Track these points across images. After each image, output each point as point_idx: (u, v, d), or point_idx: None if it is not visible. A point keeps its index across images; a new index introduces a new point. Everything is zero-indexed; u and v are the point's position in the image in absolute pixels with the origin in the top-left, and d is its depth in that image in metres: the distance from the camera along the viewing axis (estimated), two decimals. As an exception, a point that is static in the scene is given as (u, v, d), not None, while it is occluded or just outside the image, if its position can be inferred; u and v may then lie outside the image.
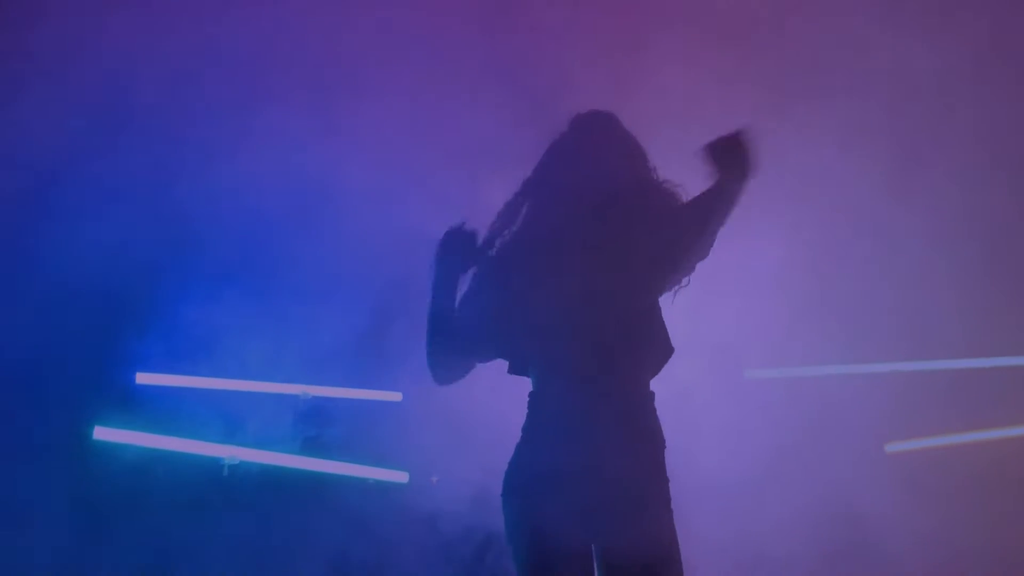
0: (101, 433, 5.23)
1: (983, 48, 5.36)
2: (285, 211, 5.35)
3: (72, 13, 5.16)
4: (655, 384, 3.14)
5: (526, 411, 3.17)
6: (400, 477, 5.50)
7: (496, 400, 5.23)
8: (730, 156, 3.03)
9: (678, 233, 3.09)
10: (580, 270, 3.09)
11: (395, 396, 5.62)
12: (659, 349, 3.13)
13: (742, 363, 5.53)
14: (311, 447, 5.52)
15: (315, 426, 5.53)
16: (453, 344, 3.22)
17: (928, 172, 5.44)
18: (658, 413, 3.13)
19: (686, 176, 3.18)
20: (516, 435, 4.92)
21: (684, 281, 3.21)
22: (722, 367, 5.15)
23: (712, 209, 3.04)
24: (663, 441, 3.10)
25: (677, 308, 3.25)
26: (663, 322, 3.16)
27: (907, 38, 5.35)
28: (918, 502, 5.27)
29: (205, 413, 5.35)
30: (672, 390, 3.25)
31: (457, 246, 3.30)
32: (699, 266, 3.19)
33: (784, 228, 5.02)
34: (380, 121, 5.37)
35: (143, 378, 5.38)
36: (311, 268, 5.36)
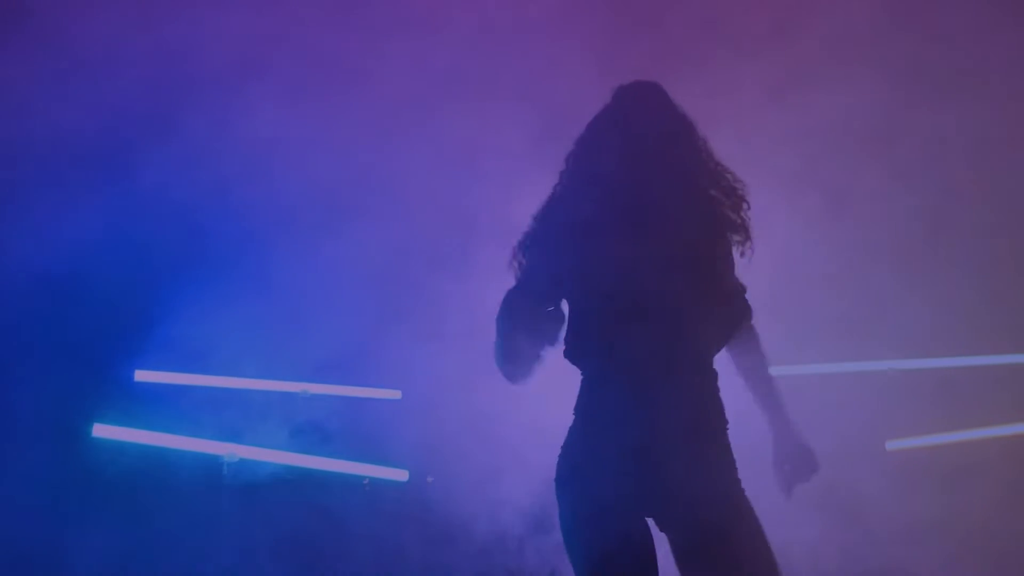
0: (100, 431, 5.22)
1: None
2: (286, 210, 5.34)
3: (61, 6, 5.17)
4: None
5: (580, 393, 3.08)
6: (400, 475, 5.49)
7: (495, 397, 5.23)
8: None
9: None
10: (642, 244, 3.00)
11: (394, 394, 5.61)
12: (725, 324, 3.09)
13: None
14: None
15: (313, 441, 5.50)
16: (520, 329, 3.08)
17: (926, 171, 5.45)
18: None
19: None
20: (514, 432, 4.91)
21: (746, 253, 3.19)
22: (721, 365, 5.13)
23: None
24: (725, 420, 3.07)
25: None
26: (727, 296, 3.11)
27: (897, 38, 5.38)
28: (919, 499, 5.27)
29: (204, 411, 5.34)
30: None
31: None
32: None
33: (782, 227, 5.01)
34: (380, 124, 5.36)
35: (142, 375, 5.37)
36: (310, 266, 5.35)
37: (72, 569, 4.97)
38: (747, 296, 3.16)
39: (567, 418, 3.06)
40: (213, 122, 5.21)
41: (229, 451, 5.30)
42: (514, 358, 3.09)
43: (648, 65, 4.90)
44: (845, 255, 5.49)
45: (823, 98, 5.21)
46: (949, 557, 5.20)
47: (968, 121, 5.38)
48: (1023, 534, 5.27)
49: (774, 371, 3.24)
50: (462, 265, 5.30)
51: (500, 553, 5.23)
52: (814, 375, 5.59)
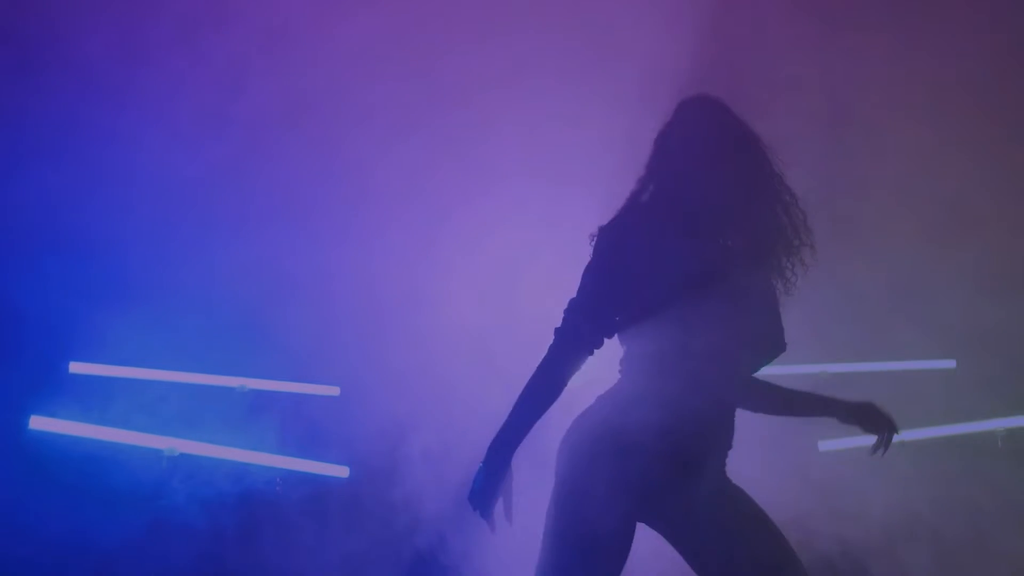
0: (38, 423, 5.17)
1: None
2: (229, 205, 5.33)
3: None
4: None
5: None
6: (340, 472, 5.49)
7: (434, 392, 5.25)
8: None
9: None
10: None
11: (333, 390, 5.61)
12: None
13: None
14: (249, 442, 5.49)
15: (251, 436, 5.48)
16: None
17: (890, 178, 5.54)
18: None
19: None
20: (454, 427, 4.91)
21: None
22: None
23: None
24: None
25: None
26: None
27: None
28: (853, 500, 5.35)
29: (144, 405, 5.31)
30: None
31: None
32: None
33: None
34: (340, 119, 5.36)
35: (76, 368, 5.32)
36: (249, 259, 5.34)
37: (13, 561, 4.91)
38: None
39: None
40: (162, 115, 5.20)
41: (169, 446, 5.27)
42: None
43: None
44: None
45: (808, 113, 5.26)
46: (891, 555, 5.30)
47: (938, 127, 5.45)
48: (960, 534, 5.37)
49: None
50: (403, 260, 5.33)
51: (452, 546, 5.24)
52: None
